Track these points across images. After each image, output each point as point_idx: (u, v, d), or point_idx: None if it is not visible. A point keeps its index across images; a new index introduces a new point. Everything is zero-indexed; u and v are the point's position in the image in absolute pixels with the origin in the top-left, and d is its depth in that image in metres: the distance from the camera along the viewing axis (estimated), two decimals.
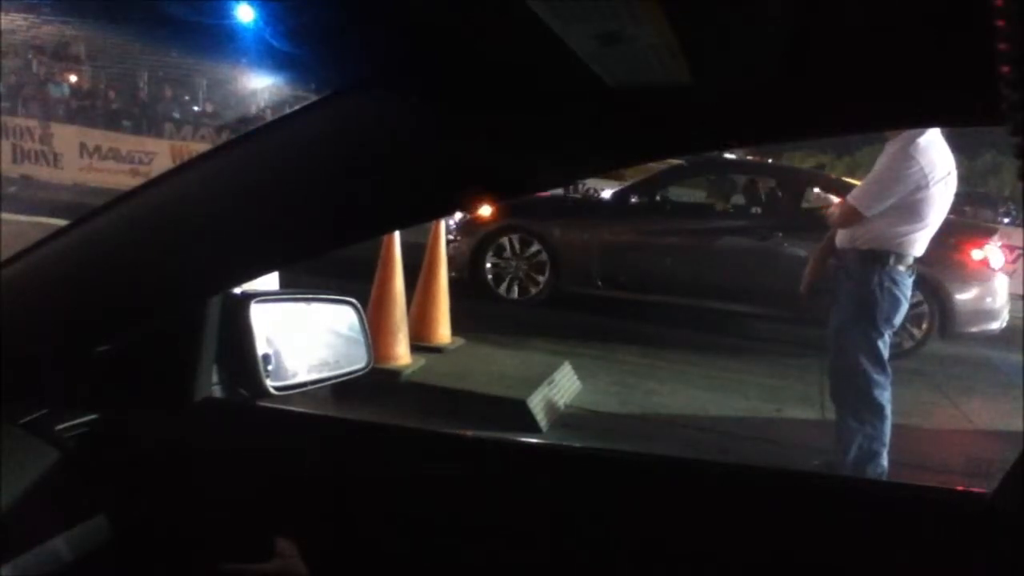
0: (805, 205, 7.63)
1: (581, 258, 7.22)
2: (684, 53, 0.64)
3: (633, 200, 7.61)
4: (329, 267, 1.98)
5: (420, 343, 4.85)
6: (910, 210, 3.40)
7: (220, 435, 1.16)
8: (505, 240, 7.33)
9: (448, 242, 5.68)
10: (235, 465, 1.12)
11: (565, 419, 4.41)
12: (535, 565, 1.05)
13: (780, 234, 6.82)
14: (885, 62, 0.66)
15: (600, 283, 7.21)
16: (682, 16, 0.59)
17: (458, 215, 7.27)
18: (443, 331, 5.11)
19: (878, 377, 3.49)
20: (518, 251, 7.34)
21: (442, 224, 5.34)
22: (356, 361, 1.38)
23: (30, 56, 15.94)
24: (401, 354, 4.53)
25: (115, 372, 1.08)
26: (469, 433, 1.23)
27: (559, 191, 8.02)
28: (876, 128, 0.81)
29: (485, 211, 7.06)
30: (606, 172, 6.47)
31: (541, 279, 7.29)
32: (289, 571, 1.02)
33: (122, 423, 1.10)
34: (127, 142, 14.61)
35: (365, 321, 1.42)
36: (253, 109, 15.27)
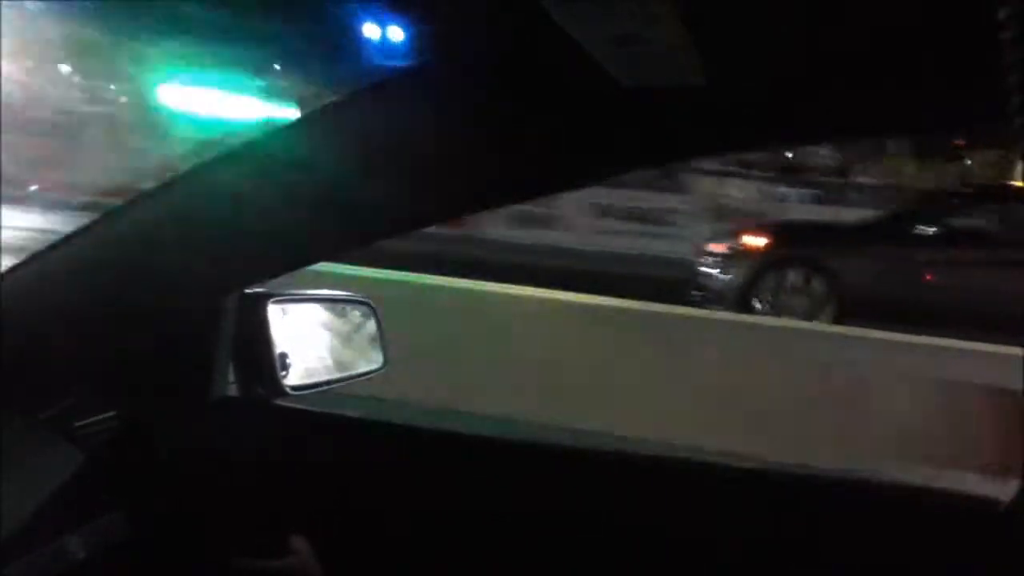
0: None
1: (870, 291, 6.28)
2: (699, 55, 0.64)
3: (918, 228, 6.79)
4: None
5: None
6: None
7: (236, 434, 1.16)
8: (784, 273, 6.47)
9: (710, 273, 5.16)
10: (251, 463, 1.13)
11: None
12: (551, 563, 1.06)
13: None
14: (895, 67, 0.66)
15: (887, 317, 5.89)
16: (697, 17, 0.59)
17: (718, 244, 6.70)
18: None
19: None
20: (799, 285, 6.46)
21: None
22: (372, 361, 1.39)
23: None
24: None
25: (132, 370, 1.09)
26: (485, 434, 1.23)
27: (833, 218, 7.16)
28: (883, 134, 0.80)
29: (758, 240, 6.36)
30: (622, 174, 6.35)
31: (823, 315, 6.35)
32: (303, 569, 1.03)
33: (139, 421, 1.11)
34: None
35: (381, 321, 1.42)
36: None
